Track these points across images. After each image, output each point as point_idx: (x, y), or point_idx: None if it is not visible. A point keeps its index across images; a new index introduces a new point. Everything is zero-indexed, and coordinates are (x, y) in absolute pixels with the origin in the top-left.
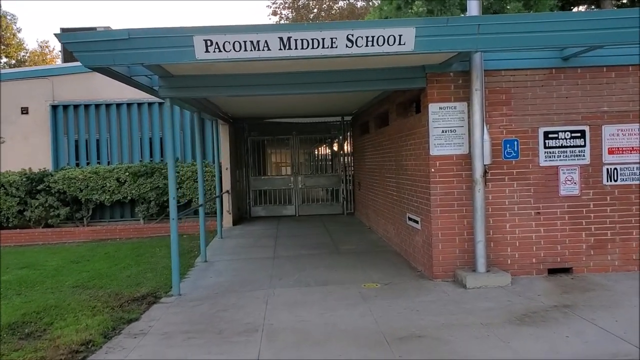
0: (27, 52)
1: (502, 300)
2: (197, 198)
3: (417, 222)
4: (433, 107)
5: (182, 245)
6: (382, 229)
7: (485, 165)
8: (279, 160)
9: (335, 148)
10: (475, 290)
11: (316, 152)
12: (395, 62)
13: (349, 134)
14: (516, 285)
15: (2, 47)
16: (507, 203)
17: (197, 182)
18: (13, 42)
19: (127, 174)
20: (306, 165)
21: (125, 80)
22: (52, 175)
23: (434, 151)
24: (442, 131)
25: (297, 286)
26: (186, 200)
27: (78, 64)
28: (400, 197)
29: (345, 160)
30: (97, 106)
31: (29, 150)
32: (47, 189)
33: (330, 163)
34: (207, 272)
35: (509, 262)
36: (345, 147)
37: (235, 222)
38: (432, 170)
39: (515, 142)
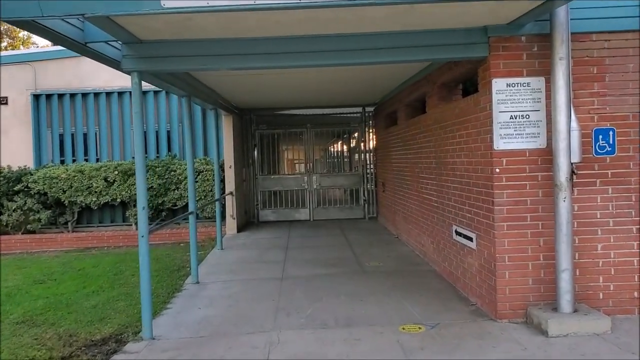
0: (37, 47)
1: None
2: (197, 199)
3: (470, 239)
4: (498, 84)
5: (174, 257)
6: (416, 241)
7: (572, 163)
8: (291, 156)
9: (356, 143)
10: (561, 340)
11: (333, 148)
12: (446, 20)
13: (371, 126)
14: (618, 332)
15: (9, 40)
16: (598, 216)
17: (196, 182)
18: (20, 35)
19: (116, 172)
20: (322, 162)
21: (77, 48)
22: (31, 175)
23: (500, 144)
24: (511, 117)
25: (311, 327)
26: (184, 203)
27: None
28: (443, 204)
29: (367, 157)
30: (85, 95)
31: (8, 146)
32: (26, 189)
33: (349, 160)
34: (196, 299)
35: (601, 296)
36: (367, 142)
37: (241, 228)
38: (497, 170)
39: (611, 133)
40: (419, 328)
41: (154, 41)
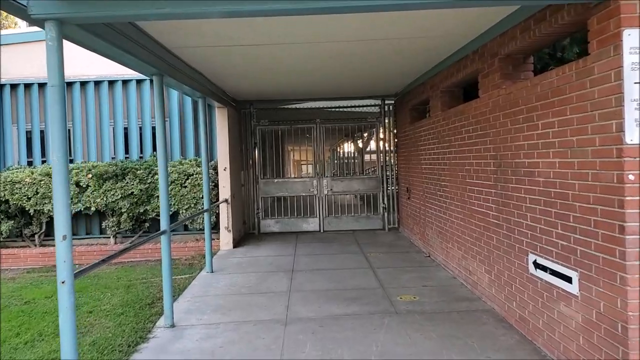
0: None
1: None
2: (186, 208)
3: (566, 278)
4: (632, 38)
5: (151, 283)
6: (458, 265)
7: None
8: (297, 157)
9: (373, 141)
10: None
11: (347, 147)
12: None
13: (391, 121)
14: None
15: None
16: None
17: (185, 187)
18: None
19: (90, 176)
20: (334, 164)
21: None
22: None
23: (635, 136)
24: None
25: None
26: (171, 211)
27: (32, 29)
28: (510, 222)
29: (387, 157)
30: None
31: None
32: None
33: (364, 161)
34: (165, 357)
35: None
36: (387, 140)
37: (238, 242)
38: (631, 177)
39: None
40: None
41: None
